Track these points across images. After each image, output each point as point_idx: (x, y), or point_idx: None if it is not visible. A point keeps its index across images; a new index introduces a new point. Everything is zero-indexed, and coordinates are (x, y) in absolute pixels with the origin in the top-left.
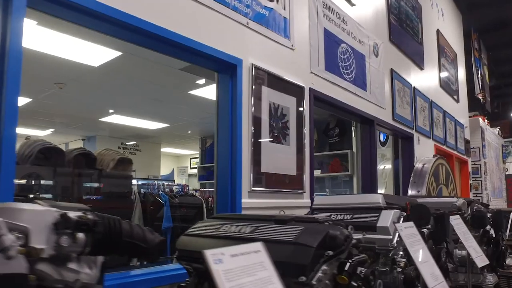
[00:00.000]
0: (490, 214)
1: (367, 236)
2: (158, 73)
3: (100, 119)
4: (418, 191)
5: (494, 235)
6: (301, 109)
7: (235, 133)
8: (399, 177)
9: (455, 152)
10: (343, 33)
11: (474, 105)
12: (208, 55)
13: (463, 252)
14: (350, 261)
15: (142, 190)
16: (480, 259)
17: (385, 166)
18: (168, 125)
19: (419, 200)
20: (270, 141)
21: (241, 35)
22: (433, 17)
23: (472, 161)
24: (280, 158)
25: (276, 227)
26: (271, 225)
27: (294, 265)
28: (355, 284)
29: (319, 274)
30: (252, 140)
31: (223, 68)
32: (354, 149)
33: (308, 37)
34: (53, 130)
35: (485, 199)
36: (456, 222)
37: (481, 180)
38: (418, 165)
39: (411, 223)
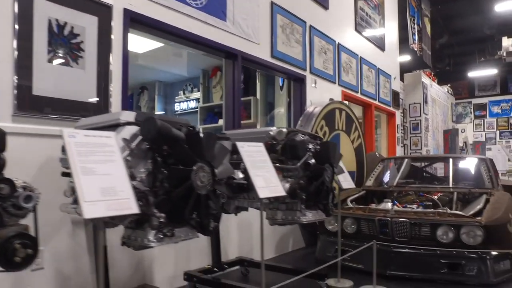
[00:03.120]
0: (318, 147)
1: None
2: None
3: None
4: None
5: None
6: (106, 30)
7: None
8: (291, 121)
9: (376, 102)
10: None
11: (421, 62)
12: None
13: None
14: None
15: None
16: (269, 190)
17: (280, 111)
18: None
19: (240, 131)
20: (48, 62)
21: None
22: None
23: (412, 117)
24: (68, 82)
25: None
26: None
27: None
28: None
29: None
30: (17, 60)
31: None
32: (258, 95)
33: None
34: None
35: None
36: (247, 149)
37: (421, 136)
38: (309, 108)
39: (103, 133)
